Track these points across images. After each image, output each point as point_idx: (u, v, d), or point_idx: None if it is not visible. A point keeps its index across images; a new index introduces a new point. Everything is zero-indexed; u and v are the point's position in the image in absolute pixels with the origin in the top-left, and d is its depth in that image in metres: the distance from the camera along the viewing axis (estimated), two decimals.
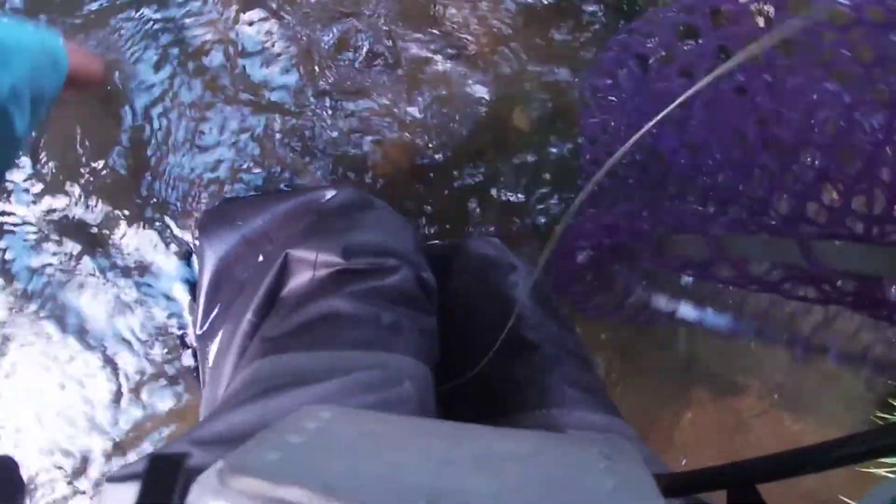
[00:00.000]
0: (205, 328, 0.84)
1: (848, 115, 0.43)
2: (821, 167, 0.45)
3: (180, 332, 1.02)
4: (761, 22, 0.52)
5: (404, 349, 0.58)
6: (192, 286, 1.00)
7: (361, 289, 0.62)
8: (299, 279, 0.68)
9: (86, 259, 1.00)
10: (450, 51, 1.03)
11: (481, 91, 1.04)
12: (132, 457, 1.03)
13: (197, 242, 0.96)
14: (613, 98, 0.74)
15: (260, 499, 0.24)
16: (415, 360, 0.58)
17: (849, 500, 1.12)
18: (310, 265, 0.68)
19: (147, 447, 1.03)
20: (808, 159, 0.47)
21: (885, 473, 1.05)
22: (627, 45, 0.68)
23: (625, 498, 0.26)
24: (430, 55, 1.03)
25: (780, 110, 0.48)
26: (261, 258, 0.82)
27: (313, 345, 0.54)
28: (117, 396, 1.02)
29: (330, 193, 0.84)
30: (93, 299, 1.01)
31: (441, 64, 1.03)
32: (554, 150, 1.07)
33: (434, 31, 1.03)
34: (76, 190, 0.98)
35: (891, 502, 0.34)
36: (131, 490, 0.42)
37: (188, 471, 0.33)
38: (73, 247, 1.00)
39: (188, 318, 1.01)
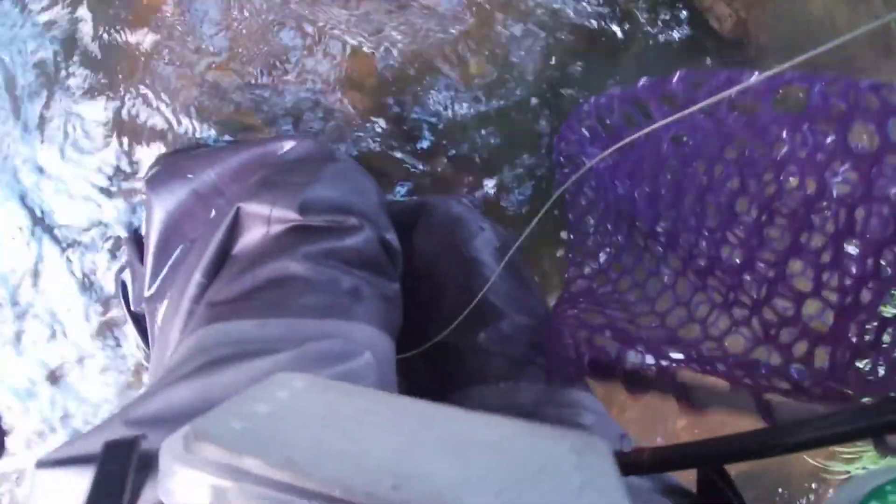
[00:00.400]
0: (153, 289, 0.79)
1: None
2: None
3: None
4: None
5: (365, 317, 0.54)
6: (141, 244, 0.94)
7: (318, 249, 0.58)
8: (252, 236, 0.64)
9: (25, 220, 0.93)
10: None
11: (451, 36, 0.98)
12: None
13: (144, 197, 0.89)
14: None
15: (222, 467, 0.24)
16: (376, 329, 0.54)
17: (814, 461, 1.15)
18: (263, 221, 0.64)
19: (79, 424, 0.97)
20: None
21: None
22: (590, 113, 0.66)
23: (590, 497, 0.26)
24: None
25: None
26: (213, 214, 0.76)
27: (263, 312, 0.50)
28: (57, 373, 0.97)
29: (288, 145, 0.79)
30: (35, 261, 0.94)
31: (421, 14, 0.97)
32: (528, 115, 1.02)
33: None
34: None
35: (872, 493, 0.34)
36: (71, 476, 0.38)
37: (144, 455, 0.33)
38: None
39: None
